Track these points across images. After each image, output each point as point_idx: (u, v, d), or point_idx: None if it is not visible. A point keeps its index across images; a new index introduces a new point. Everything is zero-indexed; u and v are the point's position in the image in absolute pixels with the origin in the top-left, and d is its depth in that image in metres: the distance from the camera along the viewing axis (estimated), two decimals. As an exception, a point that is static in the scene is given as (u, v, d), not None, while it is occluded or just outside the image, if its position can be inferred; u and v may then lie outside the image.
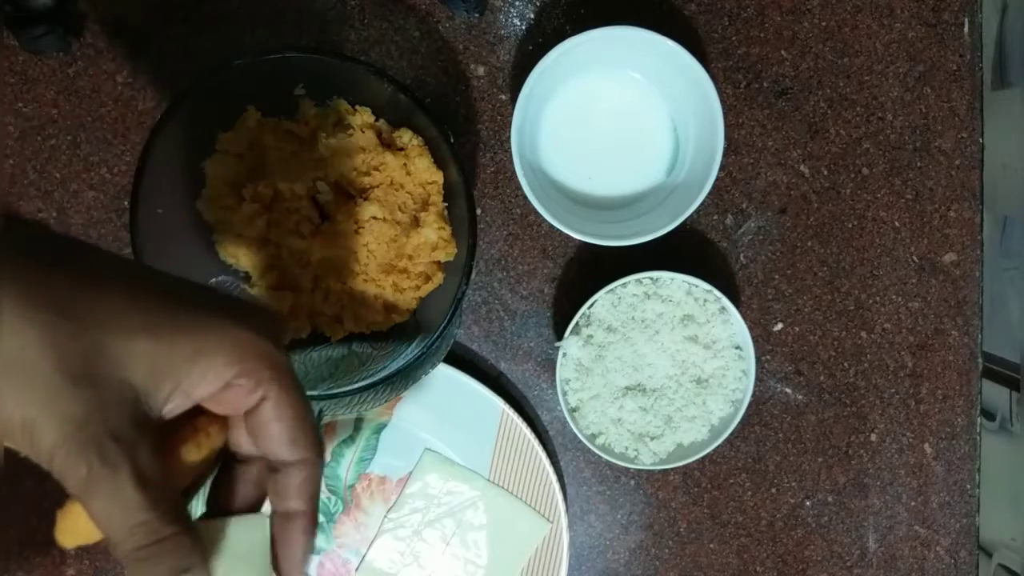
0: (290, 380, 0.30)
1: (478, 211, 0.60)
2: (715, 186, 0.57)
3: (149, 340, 0.27)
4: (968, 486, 0.64)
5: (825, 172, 0.62)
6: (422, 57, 0.60)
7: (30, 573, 0.60)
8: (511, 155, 0.53)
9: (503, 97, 0.60)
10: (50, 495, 0.60)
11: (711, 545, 0.63)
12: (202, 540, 0.29)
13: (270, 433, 0.30)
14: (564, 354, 0.57)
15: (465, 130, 0.60)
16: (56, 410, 0.25)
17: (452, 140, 0.50)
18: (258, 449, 0.31)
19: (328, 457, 0.60)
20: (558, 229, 0.54)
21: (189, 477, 0.31)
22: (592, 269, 0.61)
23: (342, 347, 0.54)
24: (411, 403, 0.60)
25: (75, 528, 0.29)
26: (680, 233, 0.57)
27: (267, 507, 0.33)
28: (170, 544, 0.27)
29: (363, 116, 0.53)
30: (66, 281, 0.26)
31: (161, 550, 0.27)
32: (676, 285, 0.57)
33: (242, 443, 0.32)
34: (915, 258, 0.63)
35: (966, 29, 0.62)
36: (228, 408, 0.30)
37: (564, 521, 0.60)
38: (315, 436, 0.31)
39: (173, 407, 0.28)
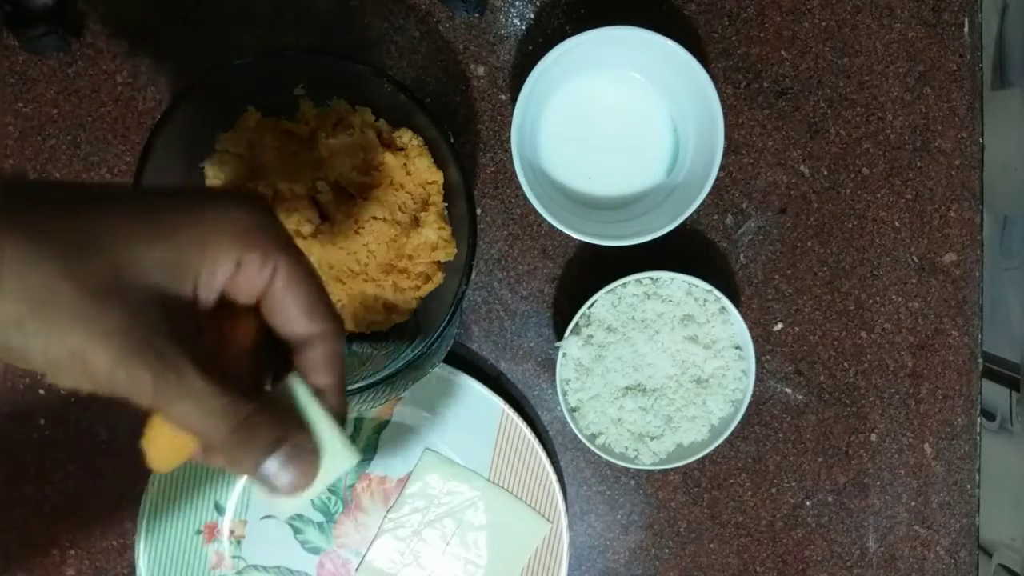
0: (295, 250, 0.31)
1: (478, 211, 0.60)
2: (715, 186, 0.57)
3: (159, 244, 0.28)
4: (968, 486, 0.64)
5: (825, 172, 0.62)
6: (422, 57, 0.60)
7: (30, 573, 0.60)
8: (511, 155, 0.53)
9: (503, 97, 0.60)
10: (50, 499, 0.60)
11: (711, 545, 0.63)
12: (285, 407, 0.31)
13: (286, 309, 0.31)
14: (564, 354, 0.57)
15: (465, 130, 0.60)
16: (96, 329, 0.26)
17: (452, 140, 0.50)
18: (280, 331, 0.32)
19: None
20: (558, 229, 0.54)
21: (245, 366, 0.32)
22: (592, 269, 0.61)
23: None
24: (411, 403, 0.60)
25: (164, 447, 0.30)
26: (680, 233, 0.57)
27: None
28: (257, 419, 0.29)
29: (363, 116, 0.53)
30: (70, 212, 0.27)
31: (251, 427, 0.29)
32: (676, 285, 0.57)
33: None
34: (915, 258, 0.63)
35: (966, 29, 0.62)
36: (248, 292, 0.31)
37: (564, 521, 0.60)
38: (330, 307, 0.32)
39: (204, 299, 0.29)
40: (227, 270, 0.29)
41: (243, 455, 0.29)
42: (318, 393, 0.32)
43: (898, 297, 0.63)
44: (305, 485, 0.31)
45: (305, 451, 0.31)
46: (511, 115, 0.53)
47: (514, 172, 0.53)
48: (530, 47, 0.60)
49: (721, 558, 0.63)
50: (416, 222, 0.53)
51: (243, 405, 0.29)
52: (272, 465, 0.30)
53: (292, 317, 0.31)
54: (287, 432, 0.30)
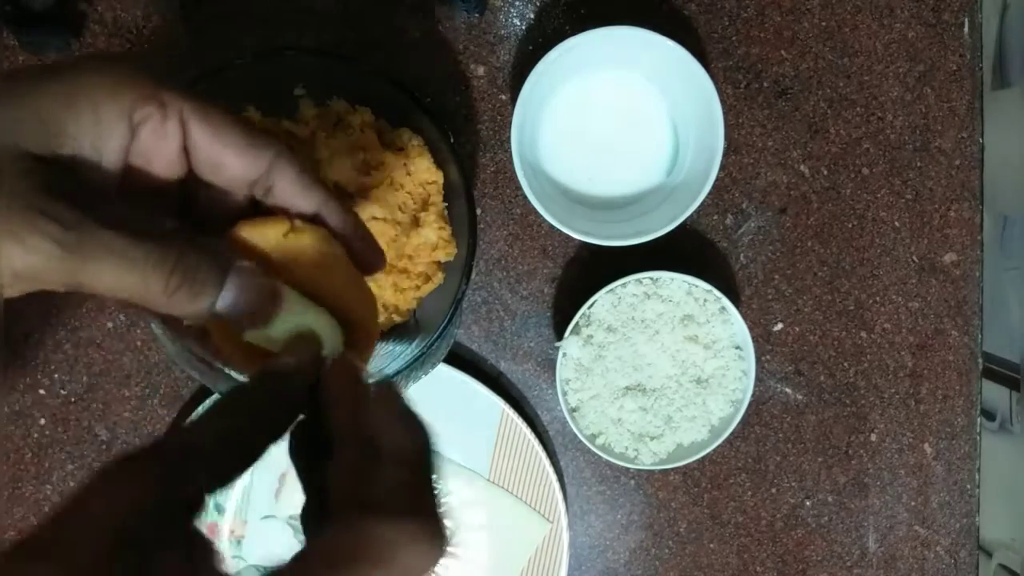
0: (198, 98, 0.28)
1: (478, 211, 0.60)
2: (715, 186, 0.57)
3: (16, 104, 0.25)
4: (968, 486, 0.64)
5: (825, 172, 0.62)
6: (422, 57, 0.60)
7: (30, 573, 0.60)
8: (511, 155, 0.53)
9: (503, 97, 0.60)
10: (50, 498, 0.60)
11: (711, 545, 0.63)
12: (227, 245, 0.30)
13: (220, 157, 0.29)
14: (564, 354, 0.57)
15: (465, 130, 0.60)
16: None
17: (452, 140, 0.50)
18: (232, 188, 0.30)
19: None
20: (558, 229, 0.54)
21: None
22: (592, 269, 0.61)
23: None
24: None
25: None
26: (680, 233, 0.57)
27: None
28: (192, 259, 0.27)
29: (363, 116, 0.53)
30: None
31: (187, 269, 0.27)
32: (676, 285, 0.57)
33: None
34: (915, 258, 0.63)
35: (966, 29, 0.62)
36: (171, 158, 0.28)
37: (564, 521, 0.60)
38: (267, 138, 0.30)
39: (107, 165, 0.27)
40: (120, 131, 0.27)
41: (190, 300, 0.27)
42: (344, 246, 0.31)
43: (898, 297, 0.63)
44: (272, 308, 0.29)
45: (254, 273, 0.29)
46: (511, 115, 0.53)
47: (514, 172, 0.53)
48: (530, 47, 0.60)
49: (721, 558, 0.63)
50: (416, 222, 0.53)
51: (170, 249, 0.27)
52: (226, 298, 0.28)
53: (229, 161, 0.29)
54: (228, 261, 0.28)
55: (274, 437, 0.28)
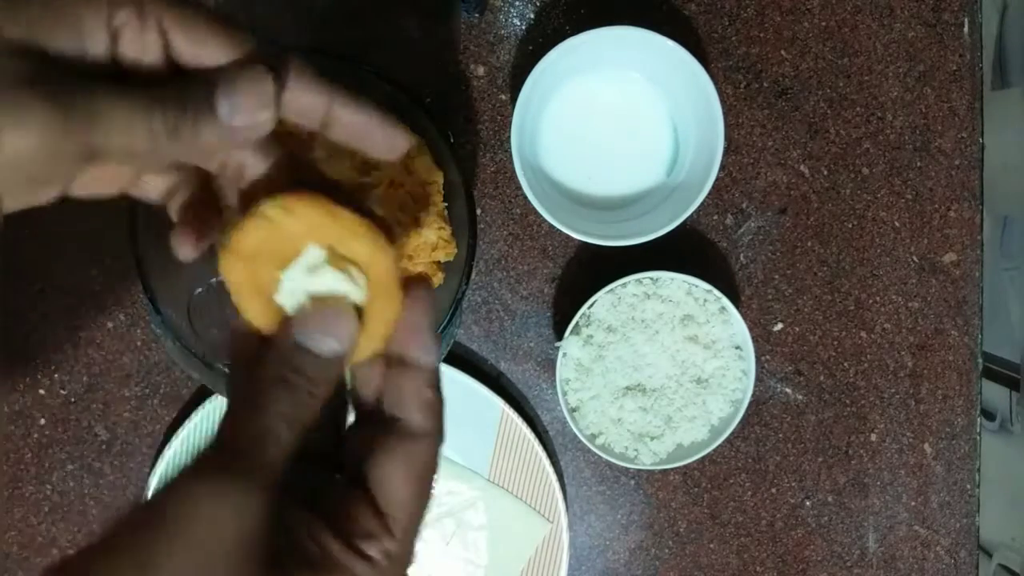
0: (179, 3, 0.27)
1: (478, 211, 0.60)
2: (715, 186, 0.57)
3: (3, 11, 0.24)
4: (968, 486, 0.64)
5: (825, 172, 0.62)
6: (422, 57, 0.60)
7: (30, 573, 0.60)
8: (511, 155, 0.53)
9: (503, 97, 0.60)
10: (50, 498, 0.60)
11: (711, 545, 0.63)
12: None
13: (198, 46, 0.27)
14: (564, 354, 0.57)
15: (465, 130, 0.60)
16: None
17: (452, 140, 0.50)
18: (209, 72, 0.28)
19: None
20: (558, 229, 0.54)
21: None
22: (592, 269, 0.61)
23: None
24: (411, 403, 0.60)
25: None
26: (680, 233, 0.57)
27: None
28: (179, 91, 0.26)
29: (363, 116, 0.53)
30: None
31: (178, 102, 0.26)
32: (676, 285, 0.57)
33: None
34: (915, 258, 0.63)
35: (966, 29, 0.62)
36: (152, 58, 0.27)
37: (564, 521, 0.60)
38: (247, 34, 0.28)
39: (93, 57, 0.26)
40: (101, 39, 0.26)
41: (194, 130, 0.26)
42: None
43: (898, 297, 0.63)
44: (267, 97, 0.27)
45: (240, 72, 0.27)
46: (511, 115, 0.53)
47: (514, 172, 0.53)
48: (530, 47, 0.60)
49: (721, 558, 0.63)
50: (416, 222, 0.53)
51: (170, 87, 0.26)
52: (224, 107, 0.26)
53: (207, 49, 0.27)
54: (216, 78, 0.27)
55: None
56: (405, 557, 0.28)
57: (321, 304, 0.27)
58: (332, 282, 0.27)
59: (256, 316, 0.28)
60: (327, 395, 0.27)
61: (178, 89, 0.26)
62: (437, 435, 0.29)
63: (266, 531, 0.24)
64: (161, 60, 0.27)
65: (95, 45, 0.26)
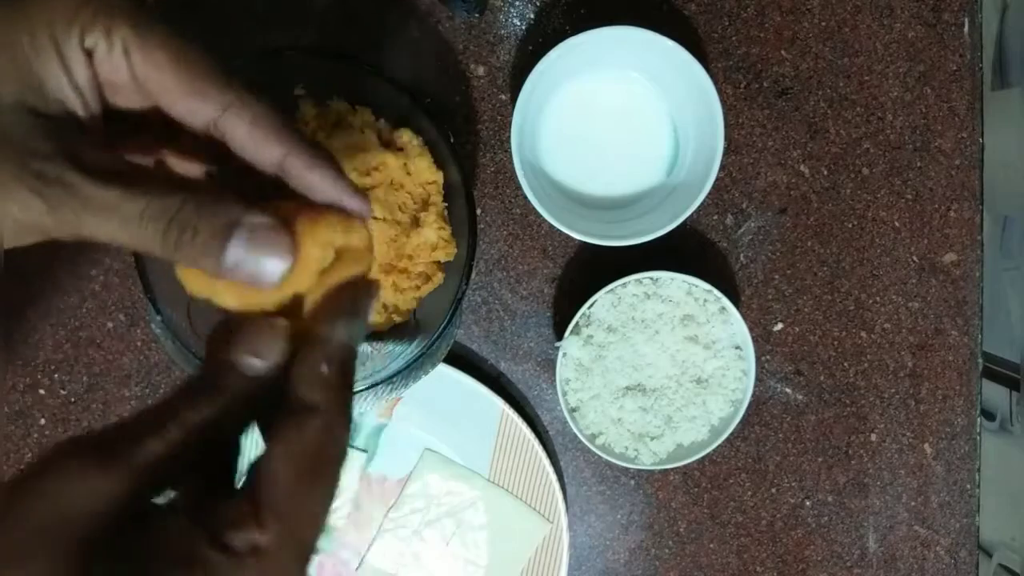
0: (142, 16, 0.26)
1: (478, 211, 0.60)
2: (715, 186, 0.57)
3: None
4: (968, 486, 0.64)
5: (825, 172, 0.62)
6: (422, 57, 0.59)
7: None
8: (511, 155, 0.53)
9: (503, 97, 0.60)
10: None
11: (711, 545, 0.63)
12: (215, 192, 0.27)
13: (161, 82, 0.26)
14: (564, 354, 0.57)
15: (465, 130, 0.60)
16: None
17: (452, 140, 0.50)
18: (185, 120, 0.27)
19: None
20: (558, 229, 0.54)
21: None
22: (592, 269, 0.61)
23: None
24: (411, 403, 0.60)
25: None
26: (680, 233, 0.57)
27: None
28: (192, 210, 0.25)
29: (363, 116, 0.53)
30: None
31: (188, 220, 0.25)
32: (676, 285, 0.57)
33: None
34: (915, 258, 0.63)
35: (966, 29, 0.62)
36: (123, 85, 0.26)
37: (564, 521, 0.60)
38: (221, 74, 0.27)
39: (83, 106, 0.26)
40: (81, 62, 0.25)
41: (194, 252, 0.25)
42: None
43: (898, 297, 0.63)
44: (285, 262, 0.26)
45: (266, 226, 0.26)
46: (511, 115, 0.53)
47: (514, 172, 0.53)
48: (530, 47, 0.60)
49: (721, 558, 0.63)
50: (416, 222, 0.53)
51: (170, 199, 0.25)
52: (236, 253, 0.26)
53: (171, 104, 0.26)
54: (238, 213, 0.26)
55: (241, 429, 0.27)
56: (284, 551, 0.25)
57: (253, 322, 0.27)
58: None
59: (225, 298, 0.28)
60: (242, 410, 0.26)
61: (182, 206, 0.25)
62: (332, 415, 0.26)
63: (112, 518, 0.22)
64: (139, 99, 0.27)
65: (78, 71, 0.25)
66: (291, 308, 0.28)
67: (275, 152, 0.28)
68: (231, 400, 0.26)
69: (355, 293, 0.29)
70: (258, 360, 0.26)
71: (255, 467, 0.26)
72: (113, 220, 0.24)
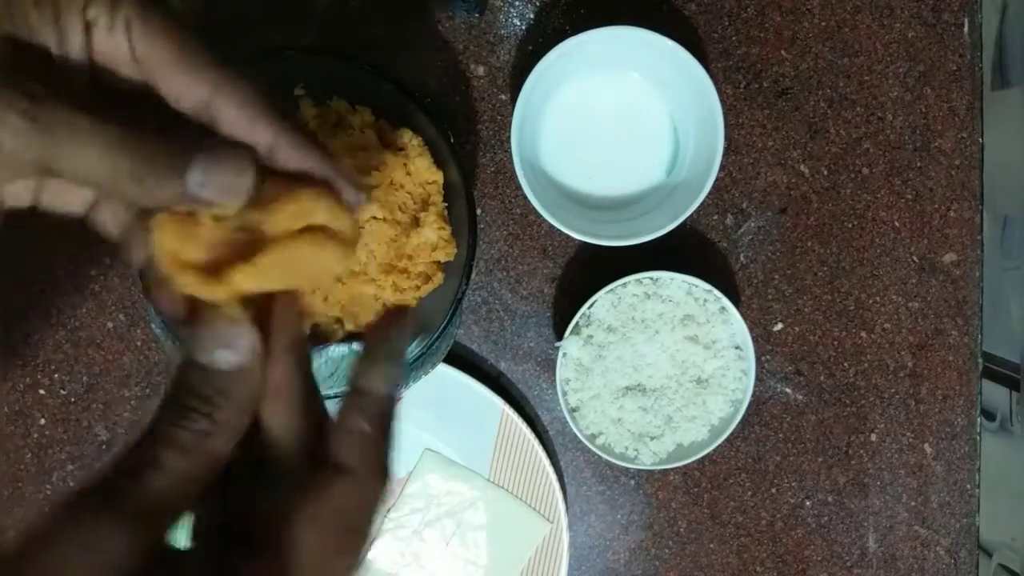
0: (144, 2, 0.26)
1: (478, 211, 0.60)
2: (715, 186, 0.57)
3: None
4: (968, 486, 0.64)
5: (825, 172, 0.62)
6: (422, 57, 0.59)
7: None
8: (511, 155, 0.53)
9: (503, 97, 0.60)
10: (50, 498, 0.60)
11: (711, 545, 0.63)
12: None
13: (161, 69, 0.26)
14: (564, 354, 0.57)
15: (465, 130, 0.60)
16: None
17: (452, 140, 0.50)
18: (182, 107, 0.27)
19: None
20: (558, 229, 0.54)
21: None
22: (592, 269, 0.61)
23: (342, 347, 0.54)
24: (411, 403, 0.60)
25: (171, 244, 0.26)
26: (680, 233, 0.57)
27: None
28: (163, 139, 0.25)
29: (363, 116, 0.53)
30: None
31: (158, 149, 0.25)
32: (676, 285, 0.57)
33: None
34: (915, 258, 0.63)
35: (966, 29, 0.62)
36: (125, 68, 0.26)
37: (564, 521, 0.60)
38: (213, 59, 0.27)
39: (74, 64, 0.26)
40: (79, 29, 0.25)
41: (159, 179, 0.25)
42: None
43: (898, 297, 0.63)
44: (241, 186, 0.26)
45: (224, 142, 0.26)
46: (511, 115, 0.53)
47: (514, 172, 0.53)
48: (530, 47, 0.60)
49: (721, 558, 0.63)
50: (416, 222, 0.53)
51: (139, 129, 0.25)
52: (195, 177, 0.25)
53: (162, 82, 0.26)
54: (196, 135, 0.26)
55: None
56: None
57: (213, 317, 0.26)
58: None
59: (185, 282, 0.26)
60: (238, 420, 0.25)
61: (154, 135, 0.25)
62: (367, 477, 0.25)
63: (135, 571, 0.22)
64: (135, 72, 0.27)
65: (73, 37, 0.25)
66: (255, 299, 0.27)
67: (266, 133, 0.27)
68: (227, 410, 0.25)
69: (392, 330, 0.27)
70: (229, 351, 0.25)
71: (278, 525, 0.25)
72: (89, 145, 0.24)
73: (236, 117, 0.27)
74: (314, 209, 0.27)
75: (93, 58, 0.26)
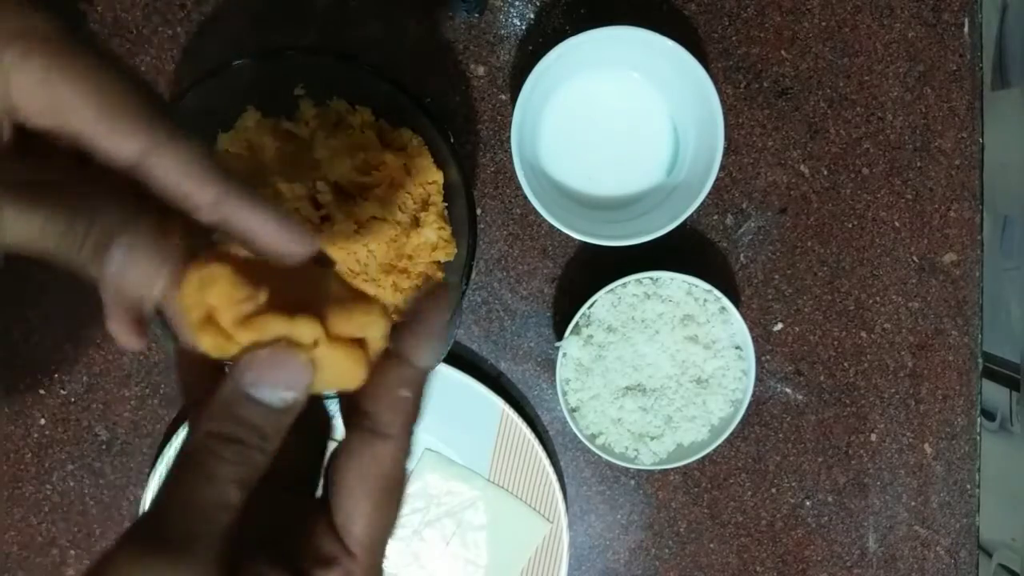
0: (65, 43, 0.24)
1: (478, 211, 0.60)
2: (715, 186, 0.57)
3: None
4: (968, 486, 0.64)
5: (825, 172, 0.62)
6: (422, 57, 0.60)
7: (30, 573, 0.60)
8: (511, 155, 0.53)
9: (503, 97, 0.60)
10: (50, 498, 0.60)
11: (711, 545, 0.63)
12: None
13: (82, 117, 0.24)
14: (564, 354, 0.57)
15: (465, 130, 0.60)
16: None
17: (452, 140, 0.50)
18: (109, 158, 0.25)
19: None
20: (558, 229, 0.54)
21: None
22: (592, 269, 0.61)
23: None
24: (411, 403, 0.60)
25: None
26: (680, 233, 0.57)
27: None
28: (86, 216, 0.24)
29: (363, 116, 0.53)
30: None
31: (81, 228, 0.24)
32: (676, 285, 0.57)
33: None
34: (915, 258, 0.63)
35: (966, 29, 0.62)
36: (48, 116, 0.24)
37: (564, 521, 0.60)
38: (153, 110, 0.25)
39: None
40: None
41: (81, 264, 0.25)
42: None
43: (898, 297, 0.63)
44: (158, 279, 0.25)
45: (147, 244, 0.25)
46: (511, 115, 0.53)
47: (514, 172, 0.53)
48: (530, 47, 0.60)
49: (721, 558, 0.63)
50: (416, 222, 0.53)
51: (70, 207, 0.24)
52: (112, 265, 0.25)
53: (89, 122, 0.24)
54: (120, 218, 0.25)
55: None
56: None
57: (274, 347, 0.24)
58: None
59: (207, 343, 0.25)
60: (278, 445, 0.25)
61: (83, 215, 0.24)
62: (404, 442, 0.26)
63: None
64: (58, 127, 0.25)
65: None
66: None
67: (208, 193, 0.25)
68: (273, 442, 0.24)
69: (441, 303, 0.27)
70: (286, 391, 0.24)
71: (328, 486, 0.25)
72: (18, 233, 0.23)
73: (173, 177, 0.25)
74: (375, 325, 0.26)
75: (16, 114, 0.24)
